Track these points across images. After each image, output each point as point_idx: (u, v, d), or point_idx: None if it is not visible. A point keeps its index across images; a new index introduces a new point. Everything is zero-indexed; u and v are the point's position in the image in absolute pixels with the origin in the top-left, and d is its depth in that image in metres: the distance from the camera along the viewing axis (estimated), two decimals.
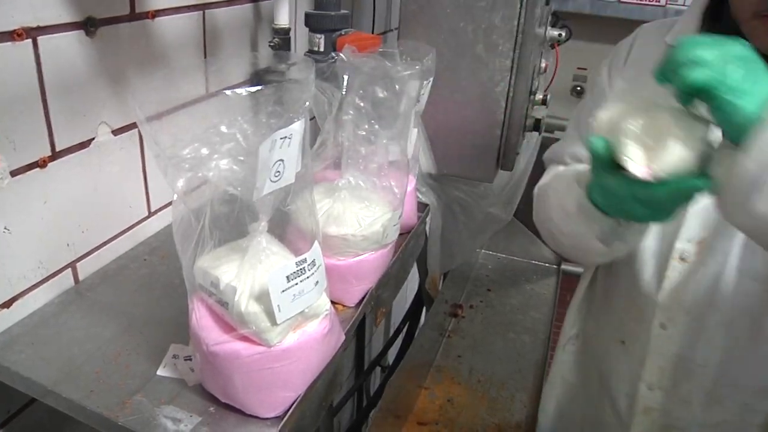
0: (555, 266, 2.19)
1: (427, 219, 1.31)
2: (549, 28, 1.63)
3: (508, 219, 1.72)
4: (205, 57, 1.15)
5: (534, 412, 1.60)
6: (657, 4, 4.25)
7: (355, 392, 2.03)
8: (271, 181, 0.65)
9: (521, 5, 1.22)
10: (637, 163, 0.75)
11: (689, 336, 1.07)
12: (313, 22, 1.24)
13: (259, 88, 0.63)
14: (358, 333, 1.87)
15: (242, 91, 0.70)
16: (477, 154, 1.31)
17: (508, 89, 1.28)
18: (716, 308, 1.03)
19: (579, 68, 5.04)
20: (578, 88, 5.24)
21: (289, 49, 1.25)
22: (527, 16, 1.24)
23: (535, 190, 1.19)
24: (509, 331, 1.88)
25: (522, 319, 1.94)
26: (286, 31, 1.23)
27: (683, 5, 4.14)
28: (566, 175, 1.08)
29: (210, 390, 0.75)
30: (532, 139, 1.73)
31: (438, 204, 1.29)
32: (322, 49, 1.23)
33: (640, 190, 0.77)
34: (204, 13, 1.12)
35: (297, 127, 0.65)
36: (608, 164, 0.78)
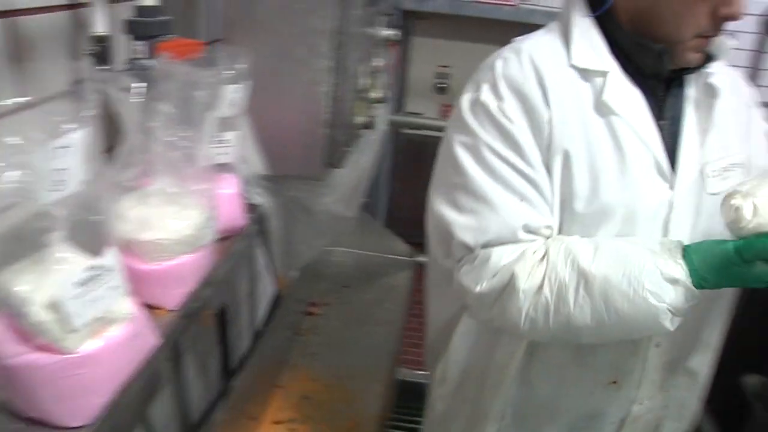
0: (408, 258, 2.27)
1: (265, 220, 1.33)
2: (381, 28, 1.70)
3: (352, 216, 1.77)
4: (13, 67, 1.11)
5: (389, 402, 1.66)
6: (510, 4, 4.46)
7: (223, 395, 2.01)
8: (51, 190, 0.65)
9: (338, 7, 1.27)
10: None
11: (677, 340, 1.13)
12: (132, 29, 1.22)
13: (28, 98, 0.64)
14: (221, 336, 1.86)
15: (31, 100, 0.70)
16: (305, 153, 1.35)
17: (334, 89, 1.32)
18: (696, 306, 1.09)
19: (441, 66, 5.23)
20: (440, 85, 5.42)
21: (108, 57, 1.23)
22: (346, 17, 1.29)
23: (520, 309, 1.00)
24: (365, 325, 1.93)
25: (378, 312, 2.00)
26: (104, 39, 1.21)
27: (536, 5, 4.37)
28: (616, 278, 0.95)
29: (15, 407, 0.74)
30: (373, 136, 1.79)
31: (275, 205, 1.32)
32: (143, 57, 1.22)
33: None
34: (9, 20, 1.09)
35: (76, 136, 0.66)
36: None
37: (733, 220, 0.90)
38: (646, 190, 1.05)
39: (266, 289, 1.68)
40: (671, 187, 1.06)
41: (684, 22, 1.00)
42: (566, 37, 1.07)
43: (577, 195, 1.03)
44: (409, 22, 5.10)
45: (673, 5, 0.99)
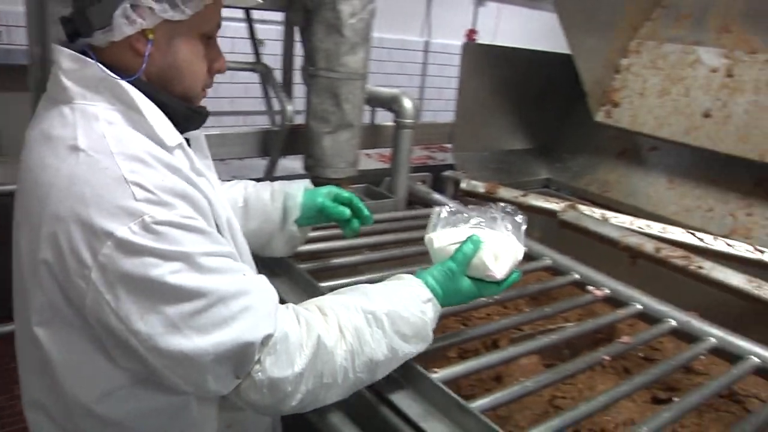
0: None
1: None
2: None
3: None
4: None
5: None
6: None
7: None
8: None
9: None
10: (497, 271, 1.20)
11: None
12: None
13: None
14: None
15: None
16: None
17: None
18: None
19: None
20: None
21: None
22: None
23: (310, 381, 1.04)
24: None
25: None
26: None
27: (14, 45, 4.05)
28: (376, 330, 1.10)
29: None
30: None
31: None
32: None
33: (489, 286, 1.23)
34: None
35: None
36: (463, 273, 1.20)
37: (440, 247, 1.24)
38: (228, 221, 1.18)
39: None
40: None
41: (197, 78, 1.13)
42: (139, 121, 1.02)
43: (240, 250, 1.18)
44: None
45: (190, 65, 1.10)
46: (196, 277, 0.94)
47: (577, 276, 1.78)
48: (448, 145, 2.93)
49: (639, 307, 1.62)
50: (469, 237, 1.21)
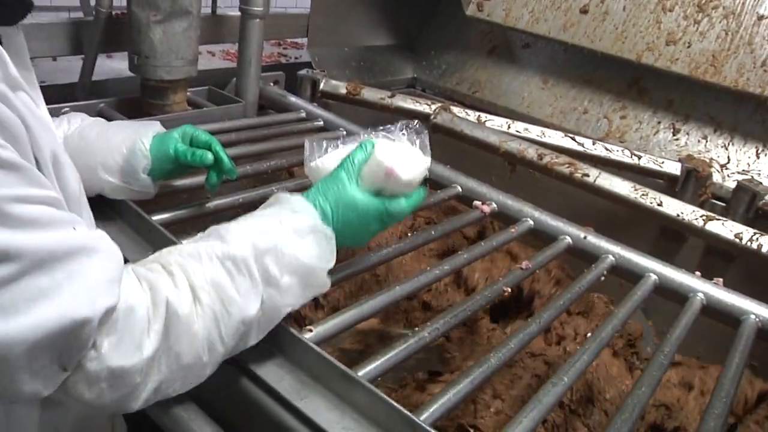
0: None
1: None
2: None
3: None
4: None
5: None
6: None
7: None
8: None
9: None
10: (400, 170, 0.97)
11: None
12: None
13: None
14: None
15: None
16: None
17: None
18: None
19: None
20: None
21: None
22: None
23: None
24: None
25: None
26: None
27: None
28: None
29: None
30: None
31: None
32: None
33: (394, 201, 0.99)
34: None
35: None
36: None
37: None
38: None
39: None
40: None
41: None
42: None
43: (70, 196, 0.85)
44: None
45: None
46: (2, 232, 0.65)
47: (458, 188, 1.58)
48: (302, 41, 2.61)
49: (530, 222, 1.45)
50: (359, 143, 0.98)
